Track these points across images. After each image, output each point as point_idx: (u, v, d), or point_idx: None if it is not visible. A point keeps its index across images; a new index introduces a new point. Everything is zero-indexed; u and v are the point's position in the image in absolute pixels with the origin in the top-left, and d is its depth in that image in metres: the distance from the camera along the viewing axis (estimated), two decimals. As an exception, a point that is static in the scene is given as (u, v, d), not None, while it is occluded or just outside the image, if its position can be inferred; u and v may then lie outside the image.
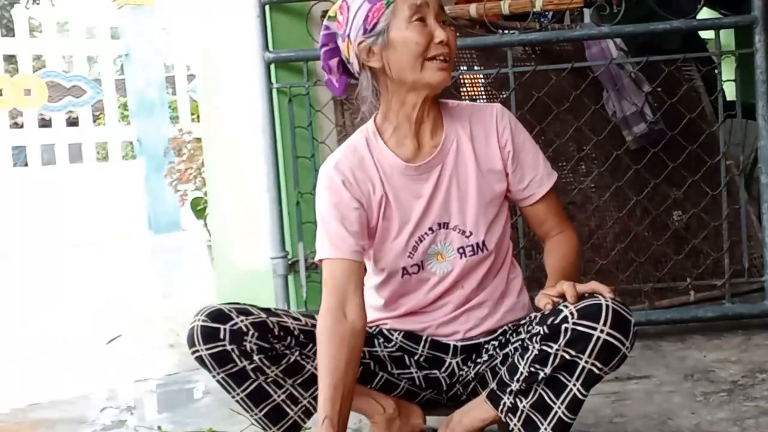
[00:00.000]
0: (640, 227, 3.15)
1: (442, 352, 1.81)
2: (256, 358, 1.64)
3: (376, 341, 1.82)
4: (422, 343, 1.81)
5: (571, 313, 1.52)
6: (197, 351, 1.64)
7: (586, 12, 3.58)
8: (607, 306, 1.51)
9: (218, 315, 1.63)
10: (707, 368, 2.42)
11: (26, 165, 9.42)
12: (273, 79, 3.03)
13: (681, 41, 3.52)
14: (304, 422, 1.73)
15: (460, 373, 1.81)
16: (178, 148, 5.38)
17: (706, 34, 3.78)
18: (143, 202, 9.39)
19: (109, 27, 9.84)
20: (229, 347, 1.62)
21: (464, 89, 3.26)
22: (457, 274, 1.75)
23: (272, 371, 1.66)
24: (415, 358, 1.82)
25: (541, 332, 1.57)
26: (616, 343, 1.50)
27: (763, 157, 2.84)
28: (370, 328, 1.84)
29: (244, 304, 1.70)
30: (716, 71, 3.11)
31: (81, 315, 4.27)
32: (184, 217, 8.68)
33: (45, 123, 9.62)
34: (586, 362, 1.52)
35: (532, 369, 1.58)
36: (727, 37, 4.87)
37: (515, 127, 1.76)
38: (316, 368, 1.70)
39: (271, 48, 3.01)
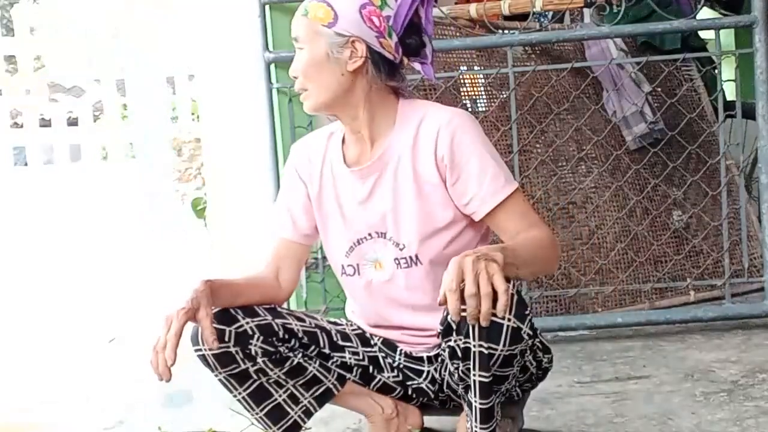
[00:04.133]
0: (640, 227, 3.15)
1: (417, 362, 1.82)
2: (259, 360, 1.64)
3: (373, 344, 1.84)
4: (398, 352, 1.83)
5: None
6: (200, 350, 1.64)
7: (586, 12, 3.58)
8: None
9: (224, 316, 1.63)
10: (707, 368, 2.42)
11: (26, 165, 9.43)
12: (273, 79, 3.03)
13: (680, 41, 3.52)
14: (304, 422, 1.74)
15: (440, 379, 1.81)
16: (178, 148, 5.38)
17: (706, 34, 3.78)
18: (143, 202, 9.38)
19: (110, 27, 9.84)
20: (233, 349, 1.62)
21: (464, 89, 3.26)
22: (394, 285, 1.73)
23: (275, 373, 1.67)
24: (395, 365, 1.83)
25: (440, 329, 1.58)
26: (494, 319, 1.44)
27: (763, 157, 2.84)
28: (362, 331, 1.86)
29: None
30: (716, 71, 3.11)
31: (81, 315, 4.27)
32: (184, 217, 8.68)
33: (45, 123, 9.61)
34: (474, 346, 1.49)
35: (454, 366, 1.57)
36: (727, 37, 4.86)
37: (460, 137, 1.66)
38: (317, 369, 1.72)
39: (271, 48, 3.01)
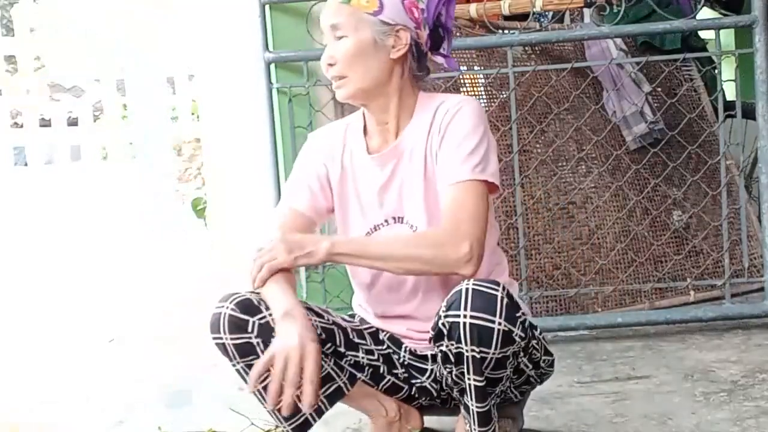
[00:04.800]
0: (640, 227, 3.15)
1: (422, 360, 1.83)
2: None
3: (381, 339, 1.84)
4: (403, 349, 1.84)
5: (441, 307, 1.55)
6: (221, 339, 1.63)
7: (586, 12, 3.58)
8: (467, 289, 1.51)
9: (247, 306, 1.64)
10: (707, 368, 2.42)
11: (26, 165, 9.42)
12: (273, 79, 3.03)
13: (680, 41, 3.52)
14: (315, 421, 1.73)
15: (442, 377, 1.81)
16: (178, 148, 5.38)
17: (706, 34, 3.78)
18: (143, 202, 9.38)
19: (110, 27, 9.83)
20: (254, 341, 1.62)
21: (464, 89, 3.26)
22: None
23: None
24: (401, 361, 1.83)
25: (432, 334, 1.59)
26: (484, 323, 1.49)
27: (763, 157, 2.84)
28: (372, 327, 1.86)
29: None
30: (716, 71, 3.11)
31: (81, 315, 4.27)
32: (184, 217, 8.68)
33: (45, 123, 9.61)
34: (466, 350, 1.52)
35: (448, 370, 1.60)
36: (727, 37, 4.87)
37: (459, 115, 1.69)
38: (332, 368, 1.72)
39: (271, 48, 3.01)
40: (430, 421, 1.94)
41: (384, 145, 1.77)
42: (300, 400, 1.47)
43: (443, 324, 1.54)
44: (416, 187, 1.73)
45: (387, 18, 1.67)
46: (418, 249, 1.62)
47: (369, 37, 1.67)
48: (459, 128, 1.68)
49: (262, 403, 1.71)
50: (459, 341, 1.51)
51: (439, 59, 1.79)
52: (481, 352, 1.51)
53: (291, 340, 1.49)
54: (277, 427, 1.79)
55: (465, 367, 1.53)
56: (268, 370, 1.63)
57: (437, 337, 1.57)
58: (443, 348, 1.56)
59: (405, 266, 1.62)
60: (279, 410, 1.53)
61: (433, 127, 1.73)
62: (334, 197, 1.81)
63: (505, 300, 1.51)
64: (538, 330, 1.73)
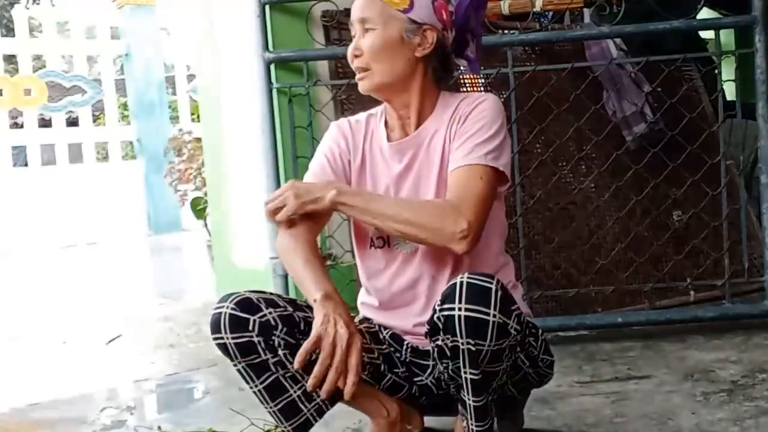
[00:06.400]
0: (640, 227, 3.15)
1: (423, 356, 1.82)
2: (281, 352, 1.65)
3: (382, 338, 1.84)
4: (404, 347, 1.84)
5: (437, 301, 1.56)
6: (222, 338, 1.63)
7: (586, 12, 3.59)
8: (461, 283, 1.52)
9: (247, 304, 1.64)
10: (707, 368, 2.42)
11: (26, 165, 9.41)
12: (273, 79, 3.03)
13: (681, 41, 3.52)
14: (316, 421, 1.74)
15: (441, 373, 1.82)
16: (178, 148, 5.38)
17: (706, 34, 3.78)
18: (143, 202, 9.38)
19: (109, 27, 9.82)
20: (256, 339, 1.63)
21: (464, 89, 3.26)
22: (421, 255, 1.75)
23: (293, 367, 1.67)
24: (402, 359, 1.83)
25: (427, 328, 1.60)
26: (479, 315, 1.50)
27: (763, 157, 2.84)
28: (372, 327, 1.86)
29: (269, 293, 1.71)
30: (716, 71, 3.11)
31: (81, 315, 4.27)
32: (184, 217, 8.67)
33: (45, 123, 9.60)
34: (462, 343, 1.52)
35: (444, 365, 1.60)
36: (727, 37, 4.87)
37: (479, 107, 1.73)
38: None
39: (271, 48, 3.01)
40: (430, 421, 1.94)
41: (404, 137, 1.80)
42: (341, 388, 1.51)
43: (438, 318, 1.54)
44: (432, 174, 1.75)
45: (416, 16, 1.71)
46: (419, 215, 1.65)
47: (396, 33, 1.70)
48: (478, 117, 1.72)
49: (263, 404, 1.71)
50: (454, 334, 1.52)
51: (463, 62, 1.83)
52: (476, 344, 1.51)
53: (340, 327, 1.53)
54: (277, 427, 1.79)
55: (461, 360, 1.54)
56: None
57: (433, 331, 1.57)
58: (439, 342, 1.56)
59: (403, 229, 1.65)
60: (315, 393, 1.59)
61: (453, 118, 1.75)
62: (352, 184, 1.83)
63: (500, 293, 1.52)
64: (540, 330, 1.73)
